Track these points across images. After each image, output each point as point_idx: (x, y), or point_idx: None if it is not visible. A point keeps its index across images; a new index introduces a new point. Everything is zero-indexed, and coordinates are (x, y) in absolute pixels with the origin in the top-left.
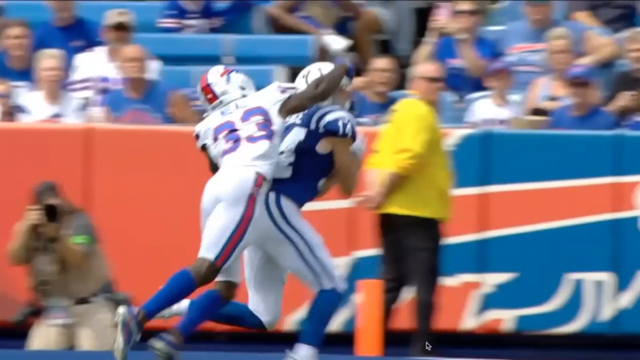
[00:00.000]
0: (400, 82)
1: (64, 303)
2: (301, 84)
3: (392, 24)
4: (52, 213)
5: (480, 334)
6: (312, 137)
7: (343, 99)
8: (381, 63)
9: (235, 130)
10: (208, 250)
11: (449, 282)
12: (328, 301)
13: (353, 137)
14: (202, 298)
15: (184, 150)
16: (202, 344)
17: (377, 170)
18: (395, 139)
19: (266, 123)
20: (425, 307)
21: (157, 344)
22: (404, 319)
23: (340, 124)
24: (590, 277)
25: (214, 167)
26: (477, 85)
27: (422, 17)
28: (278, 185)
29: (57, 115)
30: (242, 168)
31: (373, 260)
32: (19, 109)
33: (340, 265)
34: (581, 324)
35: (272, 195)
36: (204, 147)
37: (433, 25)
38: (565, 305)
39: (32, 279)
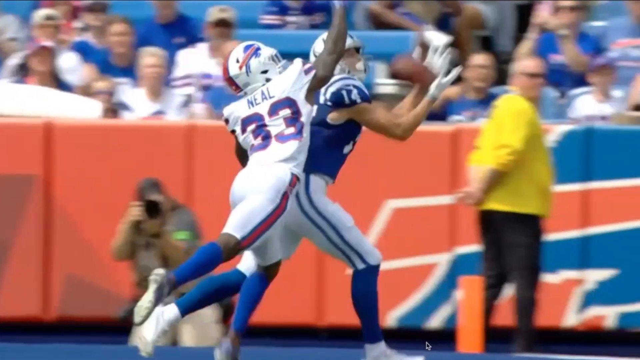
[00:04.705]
0: (502, 78)
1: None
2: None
3: (493, 20)
4: (154, 209)
5: (582, 330)
6: (323, 110)
7: (354, 61)
8: (479, 59)
9: (264, 125)
10: (236, 229)
11: (551, 278)
12: (364, 282)
13: (365, 101)
14: (248, 289)
15: None
16: (304, 340)
17: (478, 166)
18: (496, 135)
19: (294, 116)
20: (526, 304)
21: (218, 355)
22: (506, 315)
23: (344, 92)
24: None
25: (241, 153)
26: (579, 81)
27: (524, 13)
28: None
29: (159, 112)
30: (276, 166)
31: (474, 257)
32: (122, 106)
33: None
34: None
35: (301, 180)
36: (233, 131)
37: (535, 21)
38: None
39: (135, 275)
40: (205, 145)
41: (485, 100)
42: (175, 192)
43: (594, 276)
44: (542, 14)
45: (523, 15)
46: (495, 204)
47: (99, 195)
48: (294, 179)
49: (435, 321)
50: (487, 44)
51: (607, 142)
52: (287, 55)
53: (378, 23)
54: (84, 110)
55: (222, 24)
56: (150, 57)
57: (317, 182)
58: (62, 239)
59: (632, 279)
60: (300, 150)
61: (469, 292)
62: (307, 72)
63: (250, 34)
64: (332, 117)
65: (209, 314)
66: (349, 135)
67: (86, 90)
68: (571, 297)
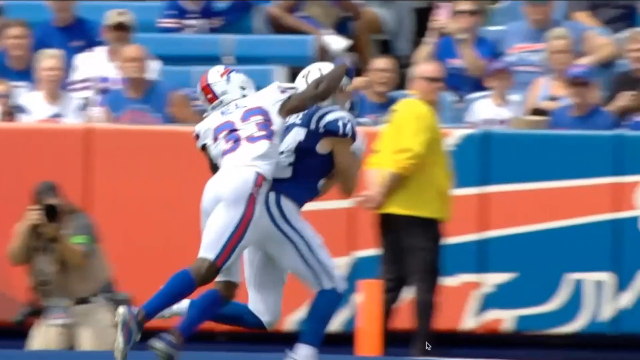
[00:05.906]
0: (400, 82)
1: (64, 303)
2: (301, 84)
3: (392, 24)
4: (52, 213)
5: (480, 333)
6: (312, 137)
7: (343, 99)
8: (381, 63)
9: (235, 130)
10: (208, 250)
11: (449, 282)
12: (328, 301)
13: (353, 137)
14: (203, 298)
15: (184, 150)
16: (202, 344)
17: (377, 170)
18: (395, 139)
19: (266, 123)
20: (425, 307)
21: (157, 344)
22: (404, 318)
23: (340, 124)
24: (590, 277)
25: (214, 167)
26: (477, 85)
27: (422, 17)
28: (278, 185)
29: (57, 115)
30: (242, 168)
31: (373, 260)
32: (19, 109)
33: (340, 265)
34: (581, 324)
35: (272, 196)
36: (204, 147)
37: (433, 25)
38: (565, 305)
39: (32, 279)
40: (103, 148)
41: (386, 104)
42: (73, 196)
43: (492, 279)
44: (440, 18)
45: (421, 20)
46: (395, 208)
47: None
48: (260, 178)
49: (334, 324)
50: (386, 48)
51: (504, 146)
52: (187, 59)
53: (277, 26)
54: None
55: (120, 27)
56: (49, 59)
57: (289, 203)
58: None
59: (529, 283)
60: (271, 152)
61: (367, 296)
62: (282, 92)
63: (148, 38)
64: (322, 146)
65: (107, 317)
66: (327, 168)
67: None
68: (469, 300)
